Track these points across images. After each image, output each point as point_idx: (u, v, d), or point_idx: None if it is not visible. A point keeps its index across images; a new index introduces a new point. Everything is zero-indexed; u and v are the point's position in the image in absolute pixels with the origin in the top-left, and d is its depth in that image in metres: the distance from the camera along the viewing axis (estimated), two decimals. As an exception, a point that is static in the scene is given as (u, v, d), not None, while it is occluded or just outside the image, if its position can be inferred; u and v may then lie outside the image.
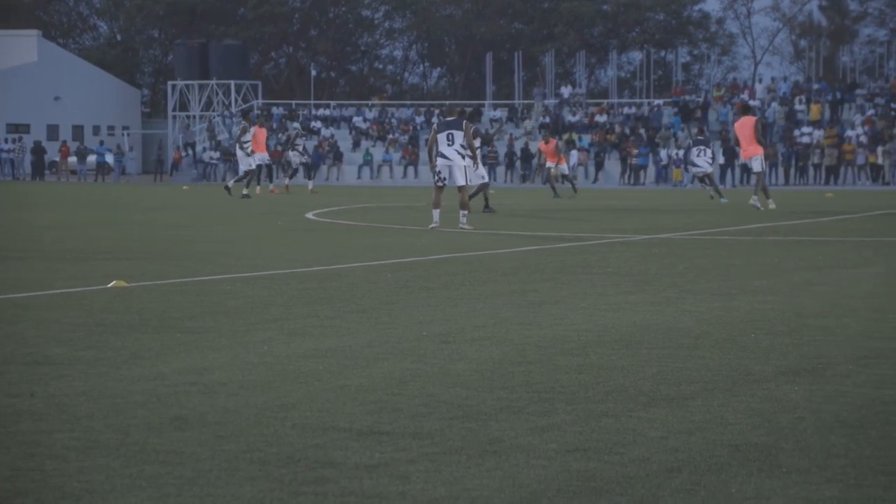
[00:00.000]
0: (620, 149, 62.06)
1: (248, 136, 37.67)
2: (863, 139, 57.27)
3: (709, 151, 36.91)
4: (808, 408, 6.53)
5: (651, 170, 60.51)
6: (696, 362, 7.92)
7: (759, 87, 67.03)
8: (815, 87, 64.77)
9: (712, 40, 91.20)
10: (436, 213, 21.20)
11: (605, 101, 70.87)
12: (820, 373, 7.55)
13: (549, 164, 40.73)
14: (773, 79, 69.58)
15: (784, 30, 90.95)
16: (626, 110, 67.80)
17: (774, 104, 62.87)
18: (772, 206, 28.09)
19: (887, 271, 14.06)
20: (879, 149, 56.13)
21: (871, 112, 60.15)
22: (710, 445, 5.73)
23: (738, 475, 5.22)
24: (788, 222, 23.76)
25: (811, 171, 57.31)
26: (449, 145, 21.44)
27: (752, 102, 63.34)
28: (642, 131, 63.02)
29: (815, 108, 61.21)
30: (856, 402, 6.68)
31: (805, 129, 59.09)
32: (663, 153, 60.28)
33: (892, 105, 60.64)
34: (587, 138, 64.21)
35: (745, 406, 6.59)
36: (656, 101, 67.11)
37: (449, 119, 21.94)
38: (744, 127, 28.67)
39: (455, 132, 21.49)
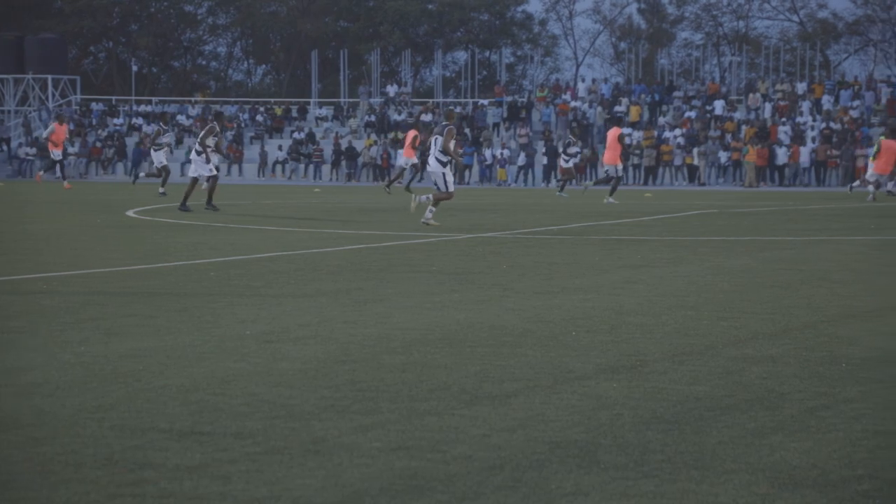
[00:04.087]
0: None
1: (162, 139, 37.09)
2: (680, 140, 58.65)
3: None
4: (626, 404, 6.64)
5: (476, 169, 61.02)
6: (519, 360, 8.00)
7: (580, 88, 68.12)
8: (635, 88, 66.14)
9: (535, 41, 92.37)
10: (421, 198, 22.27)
11: (431, 100, 71.23)
12: (638, 370, 7.69)
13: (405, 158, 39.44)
14: (594, 80, 70.81)
15: (605, 32, 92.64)
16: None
17: (596, 105, 63.97)
18: (613, 200, 32.80)
19: (702, 270, 14.42)
20: (695, 150, 57.56)
21: (689, 114, 61.63)
22: (532, 442, 5.79)
23: (558, 471, 5.29)
24: (609, 222, 24.19)
25: (631, 171, 58.46)
26: (432, 151, 22.26)
27: (573, 104, 64.36)
28: (467, 131, 63.51)
29: (634, 109, 62.47)
30: (671, 398, 6.82)
31: (625, 130, 60.30)
32: (488, 153, 60.83)
33: (708, 108, 62.24)
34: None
35: (565, 403, 6.68)
36: (481, 101, 67.71)
37: (442, 124, 22.63)
38: (610, 136, 34.30)
39: (438, 137, 22.09)
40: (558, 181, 42.11)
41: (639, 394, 6.93)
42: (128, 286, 12.09)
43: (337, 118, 68.80)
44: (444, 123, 22.59)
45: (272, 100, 75.56)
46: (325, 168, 62.65)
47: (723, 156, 57.25)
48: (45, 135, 38.95)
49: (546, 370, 7.65)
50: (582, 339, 8.85)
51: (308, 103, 71.80)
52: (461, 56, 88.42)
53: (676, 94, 64.88)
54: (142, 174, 43.86)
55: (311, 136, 64.40)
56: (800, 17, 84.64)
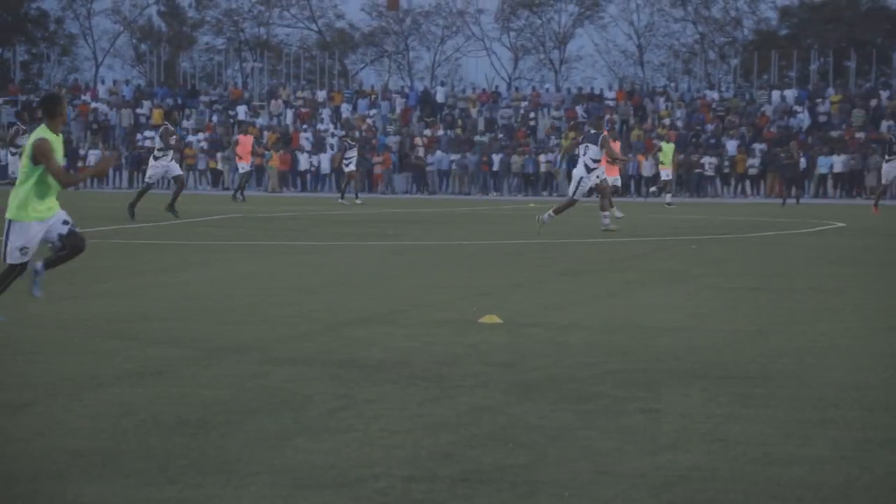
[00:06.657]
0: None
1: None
2: (204, 145, 58.66)
3: None
4: (150, 410, 6.59)
5: (-11, 170, 58.60)
6: (40, 367, 7.77)
7: (101, 89, 66.81)
8: (157, 91, 65.59)
9: (52, 39, 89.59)
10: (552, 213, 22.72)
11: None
12: (163, 375, 7.65)
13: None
14: (115, 81, 69.64)
15: (125, 33, 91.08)
16: (-40, 107, 65.15)
17: (115, 108, 62.89)
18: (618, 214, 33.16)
19: (227, 274, 14.51)
20: (219, 155, 57.73)
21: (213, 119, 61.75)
22: (51, 452, 5.65)
23: (78, 480, 5.18)
24: (134, 225, 23.87)
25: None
26: (581, 158, 22.59)
27: (94, 105, 62.92)
28: (-22, 130, 60.86)
29: (157, 112, 61.90)
30: (197, 402, 6.83)
31: (148, 133, 59.65)
32: (2, 153, 58.57)
33: (231, 112, 62.59)
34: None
35: (88, 411, 6.55)
36: (-5, 99, 65.10)
37: (591, 132, 22.81)
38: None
39: (590, 145, 22.45)
40: (343, 187, 41.46)
41: (164, 399, 6.90)
42: None
43: None
44: (593, 132, 22.80)
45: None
46: None
47: (246, 160, 57.72)
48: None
49: (68, 377, 7.47)
50: (107, 345, 8.71)
51: None
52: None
53: (203, 98, 64.88)
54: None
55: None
56: (318, 27, 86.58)
